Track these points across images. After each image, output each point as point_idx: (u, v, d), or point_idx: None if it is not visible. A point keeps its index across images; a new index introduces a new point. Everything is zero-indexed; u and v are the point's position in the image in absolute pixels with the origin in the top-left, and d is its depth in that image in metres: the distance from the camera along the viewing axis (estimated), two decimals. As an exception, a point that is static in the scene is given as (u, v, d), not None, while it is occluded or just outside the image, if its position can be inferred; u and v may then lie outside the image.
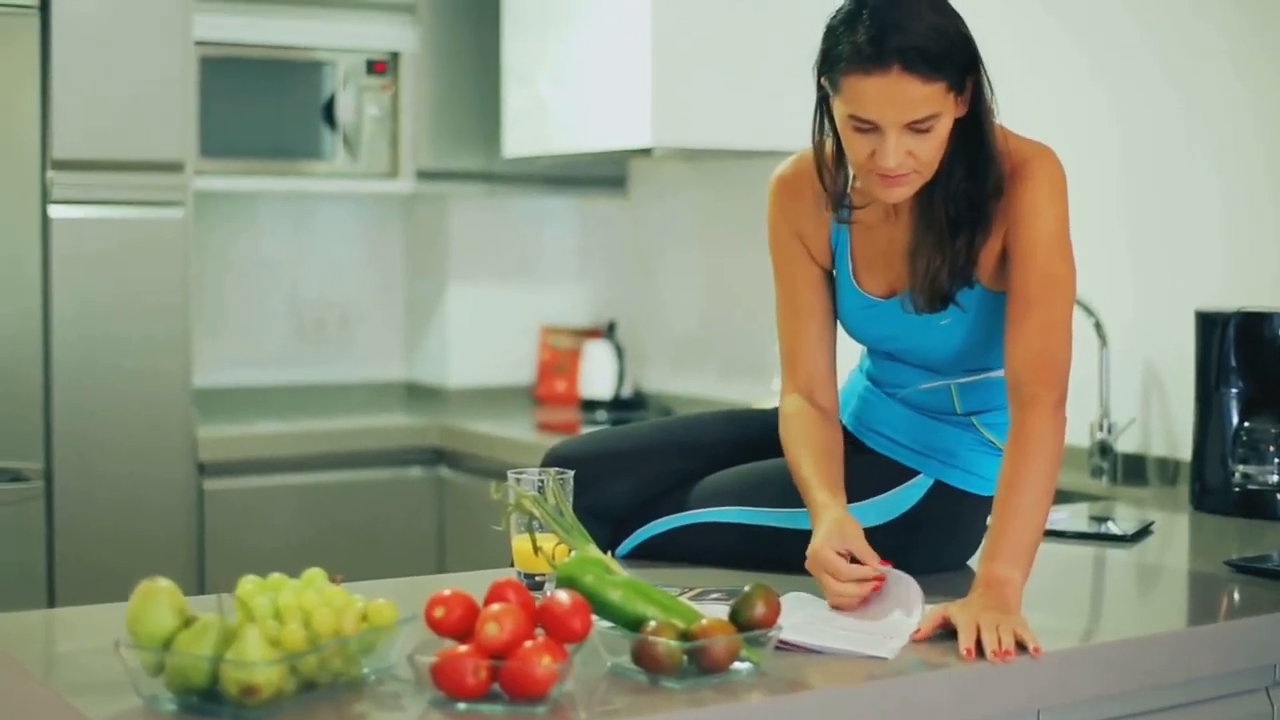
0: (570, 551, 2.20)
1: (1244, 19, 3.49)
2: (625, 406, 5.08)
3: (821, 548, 2.34)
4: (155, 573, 1.93)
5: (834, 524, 2.38)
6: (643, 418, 4.81)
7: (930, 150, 2.34)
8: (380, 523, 4.66)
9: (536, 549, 2.26)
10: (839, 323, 2.65)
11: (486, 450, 4.58)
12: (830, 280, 2.62)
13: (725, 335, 4.92)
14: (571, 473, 2.43)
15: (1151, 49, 3.67)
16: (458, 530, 4.69)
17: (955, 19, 2.34)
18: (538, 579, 2.37)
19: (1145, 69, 3.68)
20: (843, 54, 2.30)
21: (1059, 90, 3.85)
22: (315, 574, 1.97)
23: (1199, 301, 3.42)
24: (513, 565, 2.42)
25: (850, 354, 2.73)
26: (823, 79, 2.38)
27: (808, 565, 2.36)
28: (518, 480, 2.40)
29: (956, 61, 2.31)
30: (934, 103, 2.30)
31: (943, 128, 2.34)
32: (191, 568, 4.26)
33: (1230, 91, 3.52)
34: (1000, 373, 2.52)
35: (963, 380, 2.59)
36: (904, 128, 2.31)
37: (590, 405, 5.09)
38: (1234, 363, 3.28)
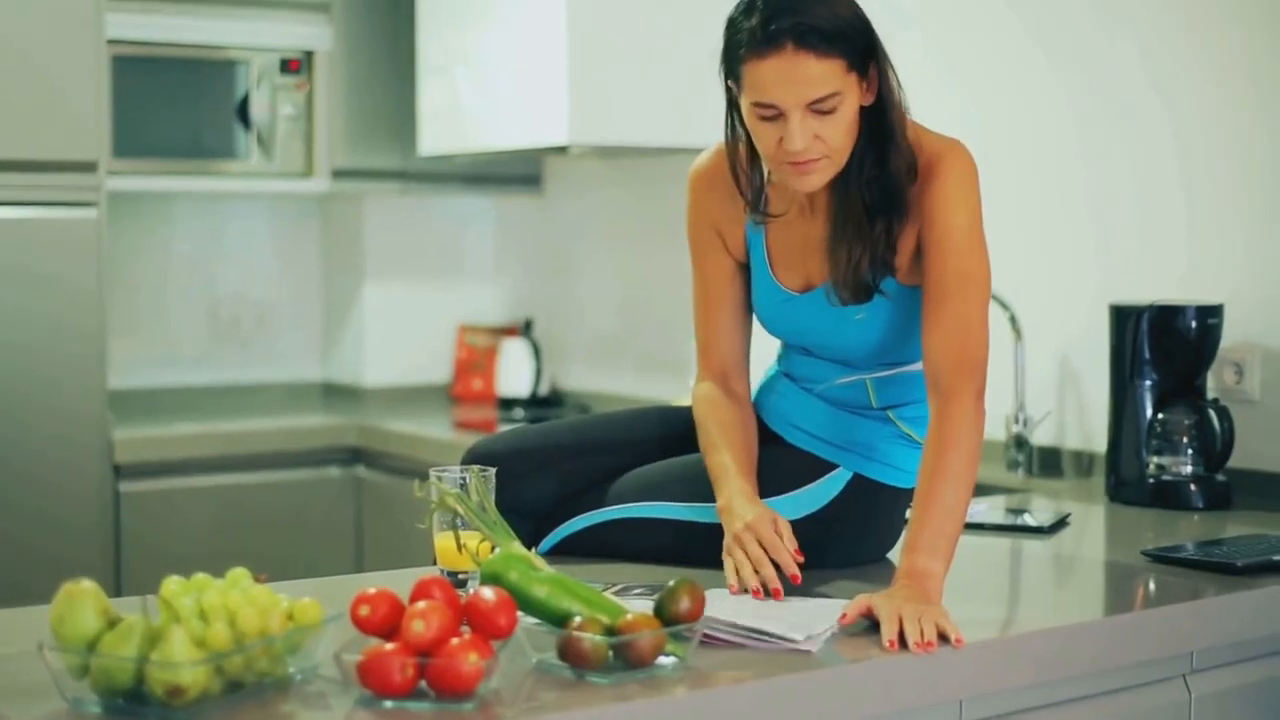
0: (494, 548, 2.21)
1: (1162, 17, 3.53)
2: (543, 404, 5.08)
3: (760, 519, 2.39)
4: (72, 577, 1.90)
5: (766, 510, 2.43)
6: (560, 416, 4.81)
7: (837, 134, 2.36)
8: (298, 523, 4.64)
9: (460, 546, 2.26)
10: (755, 317, 2.67)
11: (404, 449, 4.56)
12: (745, 272, 2.64)
13: (642, 333, 4.92)
14: (494, 470, 2.43)
15: (1068, 44, 3.70)
16: (376, 530, 4.67)
17: (854, 7, 2.37)
18: (461, 577, 2.37)
19: (1060, 62, 3.71)
20: (740, 42, 2.33)
21: (973, 84, 3.87)
22: (240, 574, 1.96)
23: (1113, 295, 3.46)
24: (435, 563, 2.42)
25: (768, 349, 2.75)
26: (729, 81, 2.40)
27: (738, 531, 2.39)
28: (439, 478, 2.39)
29: (853, 42, 2.33)
30: (832, 80, 2.32)
31: (847, 109, 2.35)
32: (109, 571, 4.21)
33: (1143, 87, 3.55)
34: (915, 367, 2.54)
35: (878, 375, 2.61)
36: (806, 109, 2.32)
37: (508, 404, 5.09)
38: (1147, 355, 3.31)
